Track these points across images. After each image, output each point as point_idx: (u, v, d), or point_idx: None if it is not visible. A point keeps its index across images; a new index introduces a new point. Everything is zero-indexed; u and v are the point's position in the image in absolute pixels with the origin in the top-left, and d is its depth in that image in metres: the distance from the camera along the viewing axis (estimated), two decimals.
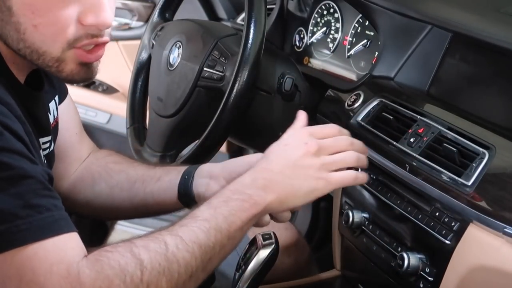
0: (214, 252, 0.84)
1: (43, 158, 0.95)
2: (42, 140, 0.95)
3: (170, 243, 0.81)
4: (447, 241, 0.92)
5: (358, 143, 0.99)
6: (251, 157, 1.06)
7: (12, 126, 0.77)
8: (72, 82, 0.89)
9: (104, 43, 0.87)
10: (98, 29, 0.84)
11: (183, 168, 1.10)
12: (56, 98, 1.04)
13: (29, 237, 0.73)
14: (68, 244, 0.76)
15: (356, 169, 0.98)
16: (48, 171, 0.80)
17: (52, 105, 1.01)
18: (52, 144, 1.01)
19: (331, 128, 0.98)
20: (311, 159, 0.92)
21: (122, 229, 2.18)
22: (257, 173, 0.91)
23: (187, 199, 1.07)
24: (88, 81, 0.91)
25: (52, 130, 1.00)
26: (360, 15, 1.31)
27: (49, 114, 0.99)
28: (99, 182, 1.16)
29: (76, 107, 1.17)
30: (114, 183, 1.15)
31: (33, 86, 0.92)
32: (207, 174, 1.07)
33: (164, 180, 1.11)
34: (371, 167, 1.10)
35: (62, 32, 0.82)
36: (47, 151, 0.98)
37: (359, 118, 1.14)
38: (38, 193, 0.76)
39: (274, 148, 0.95)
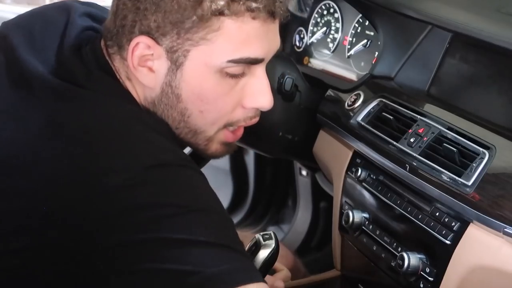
0: None
1: None
2: None
3: None
4: (447, 241, 0.92)
5: None
6: None
7: None
8: (214, 157, 0.94)
9: (251, 124, 0.92)
10: (257, 111, 0.90)
11: None
12: None
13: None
14: None
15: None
16: None
17: None
18: None
19: None
20: None
21: None
22: None
23: None
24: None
25: None
26: (360, 15, 1.31)
27: None
28: None
29: None
30: None
31: None
32: None
33: None
34: (371, 167, 1.11)
35: (225, 117, 0.87)
36: None
37: (359, 118, 1.13)
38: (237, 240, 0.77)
39: None
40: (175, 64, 0.84)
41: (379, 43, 1.24)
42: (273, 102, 0.91)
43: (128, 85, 0.88)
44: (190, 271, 0.72)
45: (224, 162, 2.05)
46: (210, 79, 0.84)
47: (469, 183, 0.90)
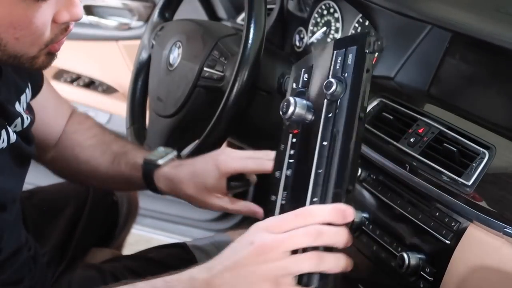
0: None
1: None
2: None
3: None
4: (447, 241, 0.92)
5: (331, 233, 0.79)
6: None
7: None
8: (42, 70, 0.92)
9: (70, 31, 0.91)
10: (70, 23, 0.88)
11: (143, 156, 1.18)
12: (28, 90, 1.06)
13: None
14: None
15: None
16: None
17: (23, 97, 1.03)
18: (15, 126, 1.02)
19: (294, 217, 0.78)
20: (256, 263, 0.76)
21: (137, 233, 2.18)
22: (197, 272, 0.80)
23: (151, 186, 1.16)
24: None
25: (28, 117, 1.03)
26: (360, 15, 1.31)
27: (18, 103, 1.02)
28: (70, 168, 1.23)
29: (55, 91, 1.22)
30: (82, 175, 1.22)
31: None
32: (170, 177, 1.12)
33: (130, 160, 1.18)
34: (371, 167, 1.11)
35: (41, 37, 0.85)
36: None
37: None
38: None
39: (229, 245, 0.80)
40: None
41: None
42: (83, 10, 0.91)
43: None
44: None
45: None
46: (19, 6, 0.82)
47: (469, 183, 0.90)
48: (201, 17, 1.94)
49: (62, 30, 0.88)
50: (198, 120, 1.27)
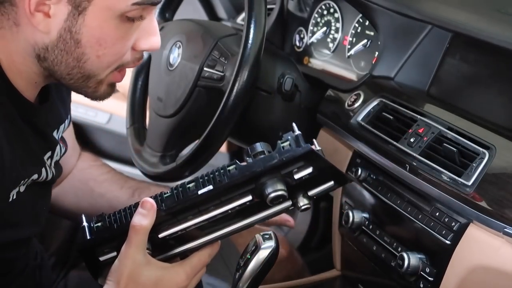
0: None
1: (47, 170, 0.95)
2: (47, 155, 0.96)
3: None
4: (447, 241, 0.92)
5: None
6: None
7: None
8: (100, 100, 0.92)
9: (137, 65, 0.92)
10: (143, 52, 0.89)
11: None
12: (68, 122, 1.06)
13: None
14: None
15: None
16: None
17: (62, 127, 1.03)
18: (56, 155, 1.01)
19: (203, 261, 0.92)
20: None
21: None
22: None
23: None
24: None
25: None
26: (360, 15, 1.31)
27: (56, 131, 1.00)
28: (82, 201, 1.19)
29: (76, 109, 1.19)
30: (97, 207, 1.16)
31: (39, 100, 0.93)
32: None
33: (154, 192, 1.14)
34: (371, 167, 1.11)
35: (119, 59, 0.86)
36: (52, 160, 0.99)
37: (359, 118, 1.14)
38: None
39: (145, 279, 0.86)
40: (77, 9, 0.80)
41: (379, 43, 1.24)
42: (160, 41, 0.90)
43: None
44: None
45: (224, 162, 2.05)
46: (111, 23, 0.82)
47: (469, 183, 0.90)
48: (201, 17, 1.94)
49: (135, 59, 0.88)
50: (198, 120, 1.27)
